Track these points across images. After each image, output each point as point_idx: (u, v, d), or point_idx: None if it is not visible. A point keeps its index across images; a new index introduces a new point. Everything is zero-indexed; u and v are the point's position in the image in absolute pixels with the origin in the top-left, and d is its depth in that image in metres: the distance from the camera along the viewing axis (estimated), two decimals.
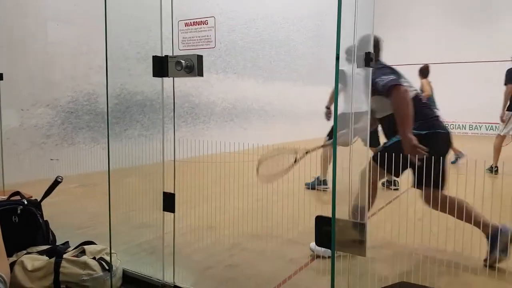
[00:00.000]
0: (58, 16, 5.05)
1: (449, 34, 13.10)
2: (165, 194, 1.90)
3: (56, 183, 2.34)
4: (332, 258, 1.34)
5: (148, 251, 2.47)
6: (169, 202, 1.89)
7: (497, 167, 5.60)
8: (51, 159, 4.99)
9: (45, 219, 2.29)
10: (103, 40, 1.83)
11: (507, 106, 5.61)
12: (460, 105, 12.69)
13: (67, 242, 2.21)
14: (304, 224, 2.97)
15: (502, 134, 5.76)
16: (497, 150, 5.76)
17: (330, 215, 1.34)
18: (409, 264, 2.36)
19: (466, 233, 2.90)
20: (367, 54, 1.37)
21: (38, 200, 2.30)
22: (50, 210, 2.39)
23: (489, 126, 12.51)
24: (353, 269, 1.38)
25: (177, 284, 1.92)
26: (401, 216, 3.29)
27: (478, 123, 12.85)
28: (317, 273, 2.24)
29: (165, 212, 1.91)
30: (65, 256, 1.97)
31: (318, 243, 1.40)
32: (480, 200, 3.32)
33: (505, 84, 5.69)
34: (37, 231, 2.21)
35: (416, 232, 2.86)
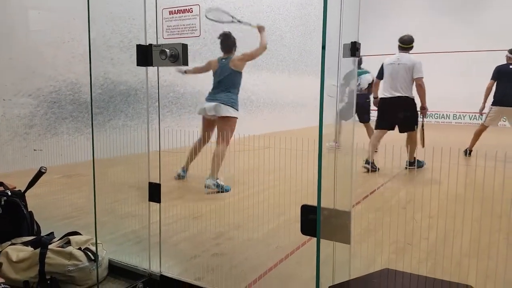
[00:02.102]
0: (40, 5, 4.92)
1: (434, 23, 13.21)
2: (150, 184, 1.89)
3: (40, 173, 2.31)
4: (318, 246, 1.36)
5: (134, 241, 2.46)
6: (154, 192, 1.88)
7: (471, 150, 5.87)
8: (35, 150, 4.91)
9: (29, 210, 2.26)
10: (85, 29, 1.79)
11: (492, 101, 5.84)
12: (444, 94, 12.86)
13: (52, 233, 2.20)
14: (290, 213, 3.00)
15: (485, 124, 5.92)
16: (476, 136, 5.95)
17: (315, 203, 1.36)
18: (393, 252, 2.40)
19: (448, 220, 2.98)
20: (353, 43, 1.38)
21: (22, 191, 2.27)
22: (34, 201, 2.36)
23: (472, 115, 12.71)
24: (338, 256, 1.40)
25: (164, 273, 1.93)
26: (385, 204, 3.35)
27: (462, 112, 13.05)
28: (303, 260, 2.26)
29: (151, 202, 1.91)
30: (50, 246, 1.95)
31: (304, 231, 1.41)
32: (454, 187, 3.40)
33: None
34: (21, 222, 2.19)
35: (399, 220, 2.92)
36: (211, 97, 4.10)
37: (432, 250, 2.44)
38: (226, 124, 3.92)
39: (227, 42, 4.24)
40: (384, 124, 5.03)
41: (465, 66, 12.10)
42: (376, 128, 5.11)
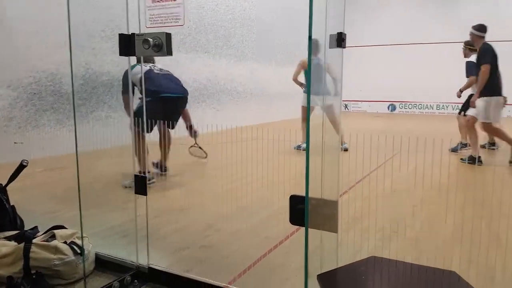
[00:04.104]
0: None
1: (417, 15, 13.32)
2: (136, 176, 1.87)
3: (21, 167, 2.26)
4: (306, 235, 1.37)
5: (121, 234, 2.44)
6: (141, 185, 1.86)
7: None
8: (15, 143, 4.80)
9: (11, 204, 2.22)
10: (65, 17, 1.74)
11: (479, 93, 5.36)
12: (427, 85, 13.03)
13: (36, 227, 2.16)
14: (278, 203, 3.01)
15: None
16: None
17: (303, 194, 1.36)
18: (379, 240, 2.44)
19: (432, 208, 3.03)
20: (339, 34, 1.37)
21: (3, 184, 2.22)
22: (16, 195, 2.32)
23: (455, 106, 12.92)
24: (326, 245, 1.41)
25: (152, 266, 1.92)
26: (370, 193, 3.38)
27: (445, 103, 13.25)
28: (291, 250, 2.28)
29: (137, 195, 1.89)
30: (34, 241, 1.92)
31: (292, 221, 1.42)
32: (438, 176, 3.45)
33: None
34: (3, 217, 2.14)
35: (385, 209, 2.96)
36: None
37: (417, 237, 2.48)
38: None
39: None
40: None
41: (449, 56, 12.25)
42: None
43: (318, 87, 5.66)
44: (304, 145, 5.55)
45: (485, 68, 4.71)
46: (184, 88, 3.83)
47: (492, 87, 4.79)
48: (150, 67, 3.72)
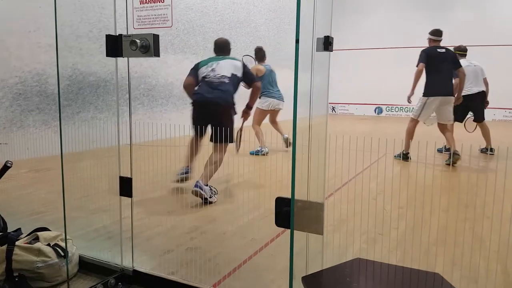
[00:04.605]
0: None
1: (404, 19, 13.50)
2: (121, 178, 1.86)
3: (5, 168, 2.22)
4: (291, 237, 1.37)
5: (106, 236, 2.41)
6: (126, 187, 1.85)
7: (408, 153, 5.35)
8: None
9: None
10: (52, 17, 1.72)
11: (423, 92, 5.33)
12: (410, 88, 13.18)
13: (19, 229, 2.13)
14: (265, 205, 3.01)
15: (416, 118, 5.41)
16: (409, 134, 5.42)
17: (289, 196, 1.37)
18: (364, 242, 2.46)
19: (417, 210, 3.06)
20: (326, 37, 1.39)
21: None
22: (0, 196, 2.28)
23: None
24: (311, 247, 1.42)
25: (136, 268, 1.90)
26: (356, 196, 3.41)
27: None
28: (277, 252, 2.28)
29: (122, 197, 1.87)
30: (17, 243, 1.89)
31: (278, 223, 1.42)
32: (423, 179, 3.49)
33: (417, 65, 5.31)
34: None
35: (370, 211, 2.98)
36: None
37: (401, 239, 2.51)
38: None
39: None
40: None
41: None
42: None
43: (273, 91, 5.77)
44: (266, 150, 5.56)
45: (417, 69, 5.24)
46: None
47: (426, 88, 5.29)
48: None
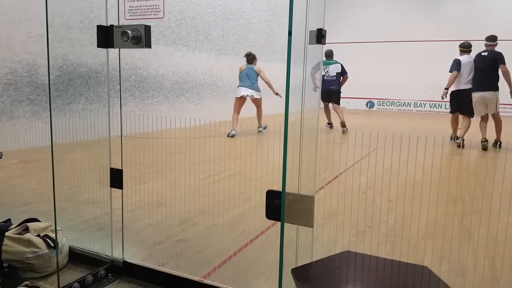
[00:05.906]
0: None
1: (397, 13, 13.51)
2: (112, 170, 1.85)
3: None
4: (282, 230, 1.38)
5: (96, 227, 2.41)
6: (116, 178, 1.84)
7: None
8: None
9: None
10: (42, 6, 1.70)
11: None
12: (406, 83, 13.25)
13: (9, 220, 2.11)
14: (255, 198, 3.02)
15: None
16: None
17: (280, 189, 1.38)
18: (354, 235, 2.48)
19: (407, 204, 3.10)
20: (319, 30, 1.39)
21: None
22: None
23: (433, 104, 13.19)
24: (301, 239, 1.43)
25: (127, 259, 1.90)
26: (346, 189, 3.44)
27: (422, 101, 13.50)
28: (267, 244, 2.30)
29: (113, 189, 1.87)
30: (7, 233, 1.88)
31: (269, 216, 1.43)
32: (413, 173, 3.53)
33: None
34: None
35: (360, 204, 3.01)
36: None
37: (391, 232, 2.54)
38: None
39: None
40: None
41: (428, 55, 12.49)
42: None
43: (252, 84, 6.37)
44: (234, 132, 6.25)
45: None
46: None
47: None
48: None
